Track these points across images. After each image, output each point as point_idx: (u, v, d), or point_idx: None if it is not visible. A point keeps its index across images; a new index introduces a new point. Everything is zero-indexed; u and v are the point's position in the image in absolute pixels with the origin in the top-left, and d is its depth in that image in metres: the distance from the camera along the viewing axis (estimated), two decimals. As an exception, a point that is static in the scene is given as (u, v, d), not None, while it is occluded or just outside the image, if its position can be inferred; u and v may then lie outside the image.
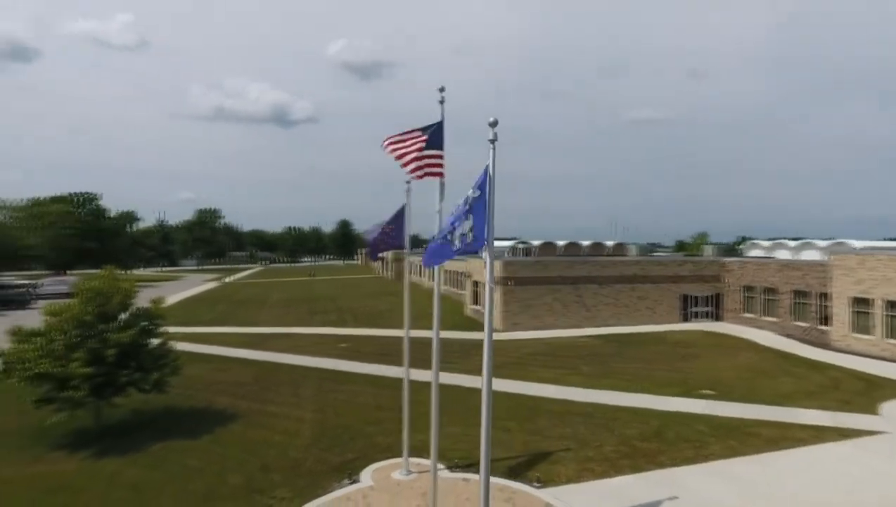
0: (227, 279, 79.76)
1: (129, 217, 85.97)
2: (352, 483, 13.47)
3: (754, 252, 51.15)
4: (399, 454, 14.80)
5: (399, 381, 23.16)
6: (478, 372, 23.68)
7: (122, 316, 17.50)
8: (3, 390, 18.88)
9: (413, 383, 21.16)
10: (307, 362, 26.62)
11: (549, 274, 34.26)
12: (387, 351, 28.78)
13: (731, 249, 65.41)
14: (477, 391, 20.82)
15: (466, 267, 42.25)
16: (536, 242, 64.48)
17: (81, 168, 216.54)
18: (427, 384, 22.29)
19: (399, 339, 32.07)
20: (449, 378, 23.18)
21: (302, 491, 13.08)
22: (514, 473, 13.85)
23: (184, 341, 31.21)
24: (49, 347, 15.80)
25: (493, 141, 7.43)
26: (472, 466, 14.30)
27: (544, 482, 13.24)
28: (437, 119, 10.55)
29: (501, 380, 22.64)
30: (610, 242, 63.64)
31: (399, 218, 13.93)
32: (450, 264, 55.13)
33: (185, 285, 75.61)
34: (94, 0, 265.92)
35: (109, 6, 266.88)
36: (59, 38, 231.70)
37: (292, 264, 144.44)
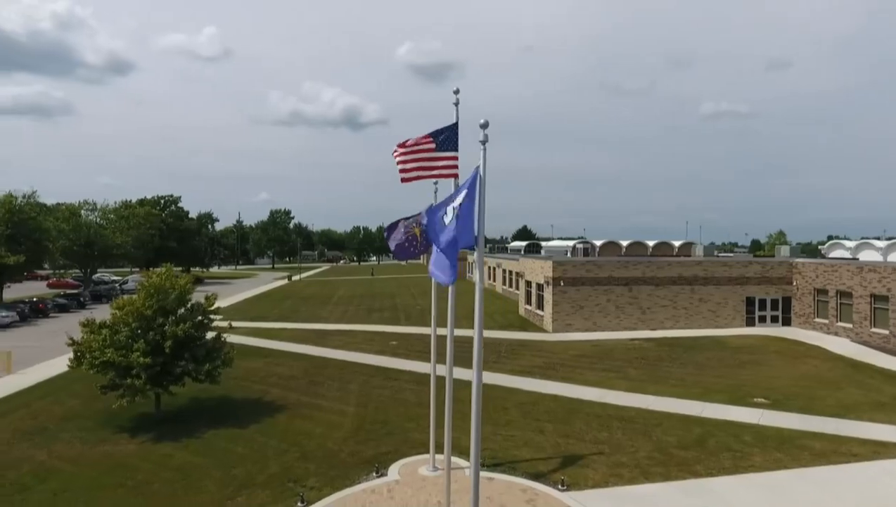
0: (295, 277, 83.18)
1: (208, 218, 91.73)
2: (379, 477, 13.89)
3: (837, 253, 47.65)
4: (441, 450, 15.11)
5: (442, 379, 23.54)
6: (522, 372, 23.83)
7: (180, 311, 18.78)
8: (78, 378, 20.79)
9: (457, 381, 21.33)
10: (358, 358, 27.47)
11: (601, 274, 33.47)
12: (428, 349, 29.16)
13: (812, 250, 61.23)
14: (517, 391, 20.92)
15: (520, 267, 42.02)
16: (599, 242, 63.09)
17: (172, 172, 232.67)
18: (470, 383, 22.24)
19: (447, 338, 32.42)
20: (490, 377, 23.25)
21: (332, 482, 13.62)
22: (541, 474, 13.78)
23: (248, 335, 33.09)
24: (114, 338, 17.27)
25: (483, 142, 7.54)
26: (498, 465, 14.39)
27: (569, 486, 13.10)
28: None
29: (544, 381, 22.49)
30: (677, 242, 61.22)
31: (431, 215, 14.16)
32: (507, 264, 54.94)
33: (256, 283, 79.59)
34: (184, 15, 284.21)
35: (197, 20, 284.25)
36: (154, 51, 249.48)
37: (360, 263, 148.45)
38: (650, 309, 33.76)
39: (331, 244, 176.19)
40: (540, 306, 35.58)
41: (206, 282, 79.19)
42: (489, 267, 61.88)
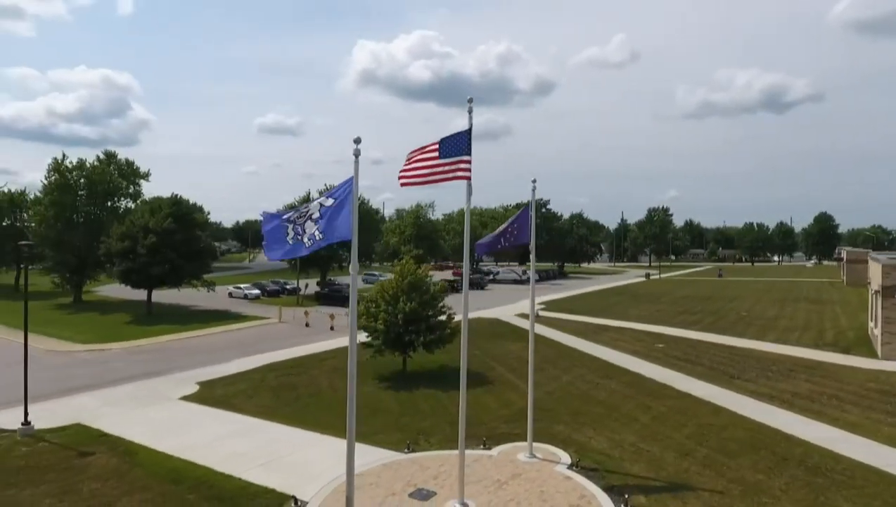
0: (653, 275, 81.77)
1: (578, 218, 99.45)
2: (484, 449, 15.47)
3: None
4: (561, 444, 15.70)
5: (660, 386, 22.06)
6: (762, 395, 20.31)
7: (425, 296, 23.80)
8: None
9: (687, 397, 19.84)
10: (601, 352, 27.63)
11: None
12: (693, 358, 26.49)
13: None
14: (721, 412, 18.27)
15: (872, 271, 32.06)
16: None
17: (586, 175, 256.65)
18: (701, 401, 19.76)
19: (726, 348, 28.52)
20: (714, 393, 20.46)
21: (447, 444, 15.92)
22: (624, 487, 12.76)
23: (539, 324, 36.62)
24: (369, 310, 23.59)
25: (356, 155, 9.11)
26: (594, 471, 13.92)
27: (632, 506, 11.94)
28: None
29: (773, 408, 18.71)
30: None
31: (524, 216, 14.92)
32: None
33: (614, 280, 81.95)
34: (594, 29, 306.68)
35: (607, 31, 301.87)
36: (571, 68, 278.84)
37: (752, 263, 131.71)
38: None
39: (725, 242, 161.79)
40: (876, 322, 26.87)
41: (570, 276, 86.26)
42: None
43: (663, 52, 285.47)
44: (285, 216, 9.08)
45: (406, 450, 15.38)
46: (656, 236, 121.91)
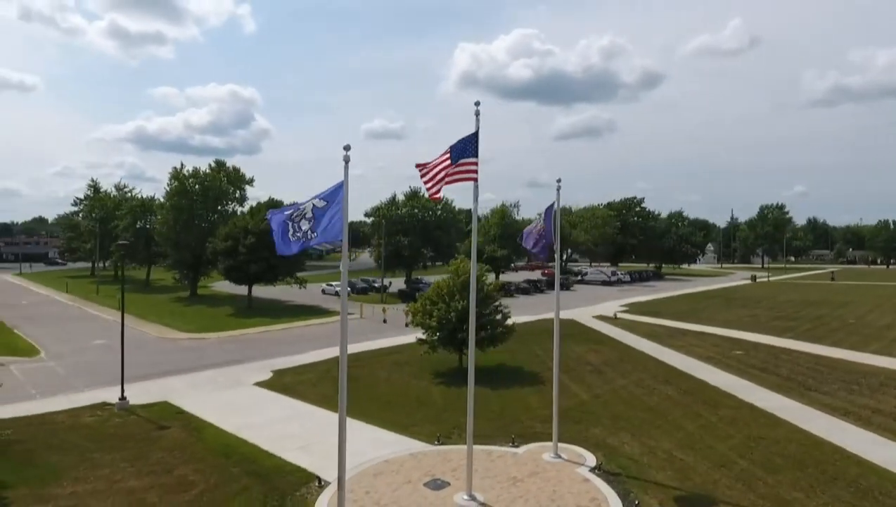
0: (760, 278, 75.60)
1: (678, 217, 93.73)
2: (511, 446, 15.70)
3: None
4: (591, 447, 15.62)
5: (722, 394, 21.04)
6: (836, 410, 18.43)
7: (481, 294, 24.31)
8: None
9: (748, 407, 19.05)
10: (671, 357, 26.45)
11: None
12: (770, 367, 24.68)
13: None
14: (780, 424, 16.92)
15: None
16: None
17: (695, 169, 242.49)
18: (761, 412, 18.78)
19: (812, 357, 26.22)
20: (788, 406, 18.97)
21: (479, 439, 16.32)
22: (638, 492, 12.52)
23: (613, 325, 35.77)
24: (425, 307, 24.43)
25: (346, 161, 9.84)
26: (616, 475, 13.71)
27: (643, 512, 11.72)
28: None
29: (845, 424, 16.99)
30: None
31: (548, 216, 14.97)
32: None
33: (716, 282, 76.79)
34: (707, 16, 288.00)
35: (721, 16, 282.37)
36: (680, 58, 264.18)
37: (888, 266, 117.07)
38: None
39: (856, 243, 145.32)
40: None
41: (666, 278, 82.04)
42: None
43: (786, 34, 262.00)
44: (287, 213, 9.97)
45: (436, 442, 15.97)
46: (769, 236, 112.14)
